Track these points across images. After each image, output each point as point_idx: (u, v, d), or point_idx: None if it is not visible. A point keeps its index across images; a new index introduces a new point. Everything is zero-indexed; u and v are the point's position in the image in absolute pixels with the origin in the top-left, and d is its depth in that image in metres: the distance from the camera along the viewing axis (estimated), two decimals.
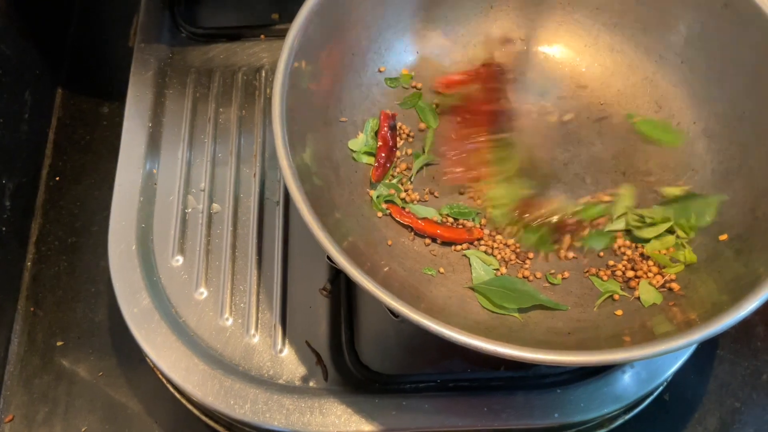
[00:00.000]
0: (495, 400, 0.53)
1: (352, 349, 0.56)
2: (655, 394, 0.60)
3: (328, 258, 0.43)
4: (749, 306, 0.41)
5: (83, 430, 0.60)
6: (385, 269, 0.51)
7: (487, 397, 0.54)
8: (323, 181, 0.52)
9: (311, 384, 0.54)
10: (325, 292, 0.46)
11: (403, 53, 0.60)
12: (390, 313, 0.41)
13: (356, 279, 0.41)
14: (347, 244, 0.47)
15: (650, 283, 0.51)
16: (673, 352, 0.39)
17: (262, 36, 0.71)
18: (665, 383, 0.59)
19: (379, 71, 0.59)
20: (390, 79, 0.60)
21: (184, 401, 0.59)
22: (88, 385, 0.62)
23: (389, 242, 0.53)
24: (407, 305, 0.41)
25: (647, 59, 0.59)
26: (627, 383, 0.54)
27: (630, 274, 0.52)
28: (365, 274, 0.42)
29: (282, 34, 0.68)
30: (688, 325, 0.41)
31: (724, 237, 0.50)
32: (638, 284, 0.51)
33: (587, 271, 0.53)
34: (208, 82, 0.68)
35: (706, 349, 0.65)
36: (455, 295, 0.51)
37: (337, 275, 0.47)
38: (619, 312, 0.50)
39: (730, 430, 0.63)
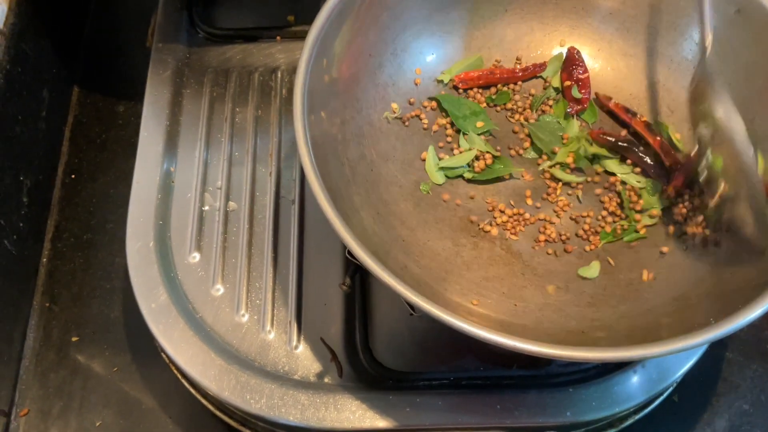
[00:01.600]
0: (507, 398, 0.54)
1: (366, 346, 0.56)
2: (665, 395, 0.61)
3: (349, 254, 0.44)
4: (760, 308, 0.41)
5: (98, 424, 0.61)
6: (401, 267, 0.51)
7: (499, 395, 0.54)
8: (341, 180, 0.52)
9: (326, 380, 0.55)
10: (344, 287, 0.47)
11: (419, 55, 0.61)
12: (409, 308, 0.42)
13: (377, 273, 0.42)
14: (363, 239, 0.47)
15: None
16: (684, 351, 0.40)
17: (278, 37, 0.72)
18: (675, 384, 0.60)
19: (416, 73, 0.61)
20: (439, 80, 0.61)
21: (198, 396, 0.59)
22: (102, 380, 0.63)
23: (412, 246, 0.54)
24: (428, 300, 0.41)
25: (660, 64, 0.59)
26: (638, 383, 0.55)
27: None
28: (387, 269, 0.42)
29: (298, 36, 0.70)
30: (699, 326, 0.42)
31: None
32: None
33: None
34: (225, 82, 0.69)
35: (716, 352, 0.65)
36: (470, 292, 0.52)
37: (355, 271, 0.48)
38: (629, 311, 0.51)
39: (740, 431, 0.63)
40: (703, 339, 0.40)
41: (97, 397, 0.62)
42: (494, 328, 0.47)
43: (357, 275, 0.54)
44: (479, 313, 0.49)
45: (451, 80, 0.61)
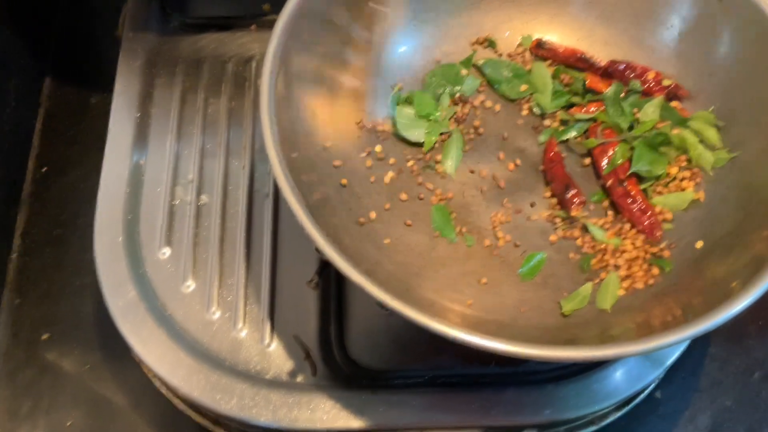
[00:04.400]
0: (485, 396, 0.53)
1: (341, 344, 0.55)
2: (647, 391, 0.60)
3: (317, 249, 0.43)
4: (739, 304, 0.40)
5: (68, 424, 0.60)
6: (373, 263, 0.50)
7: (477, 393, 0.53)
8: (312, 174, 0.51)
9: (299, 379, 0.54)
10: (312, 284, 0.45)
11: (396, 44, 0.59)
12: (378, 306, 0.41)
13: (344, 269, 0.40)
14: (335, 237, 0.46)
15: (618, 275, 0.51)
16: (662, 349, 0.39)
17: (253, 26, 0.70)
18: (657, 381, 0.59)
19: (436, 61, 0.60)
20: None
21: (170, 396, 0.58)
22: (72, 379, 0.61)
23: (386, 241, 0.52)
24: (396, 298, 0.40)
25: (641, 53, 0.58)
26: (618, 380, 0.54)
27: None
28: (354, 265, 0.41)
29: (273, 25, 0.68)
30: (679, 321, 0.41)
31: (699, 244, 0.51)
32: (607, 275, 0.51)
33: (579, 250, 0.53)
34: (198, 72, 0.67)
35: (698, 347, 0.64)
36: (446, 289, 0.51)
37: (324, 267, 0.46)
38: (608, 309, 0.50)
39: (722, 428, 0.62)
40: (681, 336, 0.39)
41: (67, 396, 0.61)
42: (469, 325, 0.46)
43: (333, 272, 0.53)
44: (454, 310, 0.48)
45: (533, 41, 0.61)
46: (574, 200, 0.53)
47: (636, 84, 0.57)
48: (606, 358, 0.47)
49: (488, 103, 0.60)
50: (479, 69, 0.61)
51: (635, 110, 0.56)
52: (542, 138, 0.58)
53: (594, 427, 0.58)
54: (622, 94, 0.57)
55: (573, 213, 0.53)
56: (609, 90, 0.57)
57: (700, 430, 0.62)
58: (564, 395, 0.53)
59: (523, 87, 0.59)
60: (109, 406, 0.61)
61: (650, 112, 0.55)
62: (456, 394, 0.53)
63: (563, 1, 0.59)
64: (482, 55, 0.61)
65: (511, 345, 0.39)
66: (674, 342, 0.38)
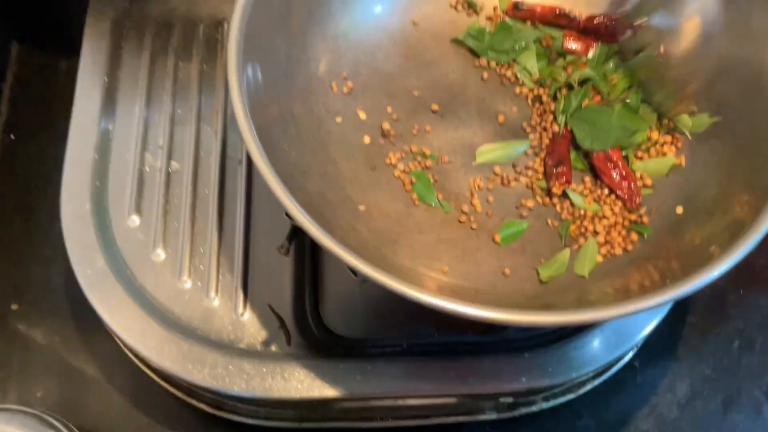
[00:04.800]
0: (462, 365, 0.52)
1: (316, 312, 0.54)
2: (625, 359, 0.60)
3: (287, 214, 0.41)
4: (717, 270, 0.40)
5: (39, 395, 0.59)
6: (348, 229, 0.49)
7: (454, 361, 0.52)
8: (285, 140, 0.49)
9: (273, 348, 0.53)
10: (282, 250, 0.44)
11: (372, 4, 0.57)
12: (351, 272, 0.40)
13: (313, 233, 0.39)
14: (306, 201, 0.45)
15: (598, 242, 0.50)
16: (642, 311, 0.38)
17: None
18: (635, 348, 0.58)
19: (413, 23, 0.58)
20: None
21: (143, 367, 0.57)
22: (44, 349, 0.61)
23: (361, 207, 0.51)
24: (368, 263, 0.39)
25: (624, 11, 0.56)
26: (596, 348, 0.53)
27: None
28: (325, 231, 0.40)
29: None
30: (657, 286, 0.40)
31: (680, 209, 0.50)
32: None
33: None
34: (168, 35, 0.65)
35: (677, 315, 0.64)
36: (422, 256, 0.50)
37: (296, 233, 0.45)
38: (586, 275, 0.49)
39: (701, 396, 0.62)
40: (659, 300, 0.38)
41: (38, 367, 0.60)
42: (444, 292, 0.45)
43: (307, 240, 0.51)
44: (430, 277, 0.47)
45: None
46: (561, 178, 0.52)
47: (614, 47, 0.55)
48: (583, 323, 0.46)
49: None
50: (461, 43, 0.59)
51: (612, 77, 0.55)
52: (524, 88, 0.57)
53: (572, 395, 0.58)
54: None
55: (553, 189, 0.52)
56: (591, 55, 0.56)
57: (679, 397, 0.62)
58: (541, 363, 0.52)
59: (508, 52, 0.58)
60: (81, 376, 0.60)
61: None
62: (433, 362, 0.52)
63: None
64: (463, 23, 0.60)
65: (486, 310, 0.38)
66: (652, 306, 0.38)
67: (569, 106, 0.54)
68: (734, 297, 0.66)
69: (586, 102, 0.54)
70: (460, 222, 0.52)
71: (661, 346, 0.63)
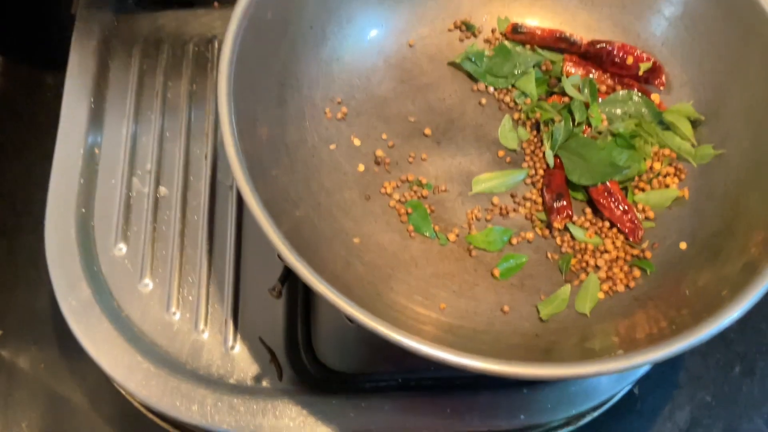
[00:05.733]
0: (458, 400, 0.51)
1: (308, 346, 0.53)
2: (626, 388, 0.58)
3: (279, 256, 0.40)
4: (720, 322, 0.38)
5: (24, 425, 0.57)
6: (342, 264, 0.47)
7: (450, 397, 0.51)
8: (276, 169, 0.48)
9: (264, 384, 0.51)
10: (275, 293, 0.42)
11: (367, 26, 0.56)
12: (347, 319, 0.38)
13: (310, 282, 0.38)
14: (299, 236, 0.43)
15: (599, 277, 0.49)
16: (644, 366, 0.36)
17: (216, 4, 0.66)
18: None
19: (409, 45, 0.57)
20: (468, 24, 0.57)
21: (129, 397, 0.55)
22: (28, 377, 0.59)
23: (356, 240, 0.50)
24: (366, 304, 0.37)
25: (626, 39, 0.55)
26: (596, 382, 0.52)
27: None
28: (319, 276, 0.38)
29: (236, 2, 0.64)
30: (665, 334, 0.39)
31: (683, 245, 0.48)
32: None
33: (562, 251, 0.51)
34: (156, 53, 0.63)
35: None
36: (418, 292, 0.48)
37: (288, 274, 0.43)
38: (588, 313, 0.48)
39: (701, 424, 0.61)
40: (666, 352, 0.37)
41: (23, 395, 0.59)
42: (442, 333, 0.44)
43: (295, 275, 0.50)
44: (427, 317, 0.46)
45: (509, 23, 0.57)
46: (562, 212, 0.50)
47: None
48: (587, 376, 0.45)
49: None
50: (458, 66, 0.57)
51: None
52: (523, 134, 0.55)
53: (571, 428, 0.56)
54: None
55: (554, 223, 0.50)
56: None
57: (680, 426, 0.61)
58: (540, 399, 0.51)
59: (507, 76, 0.56)
60: (67, 405, 0.58)
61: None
62: (428, 398, 0.51)
63: None
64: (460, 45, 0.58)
65: (486, 362, 0.36)
66: (659, 359, 0.36)
67: (556, 137, 0.52)
68: (735, 322, 0.65)
69: (586, 130, 0.53)
70: (456, 254, 0.51)
71: (661, 372, 0.62)
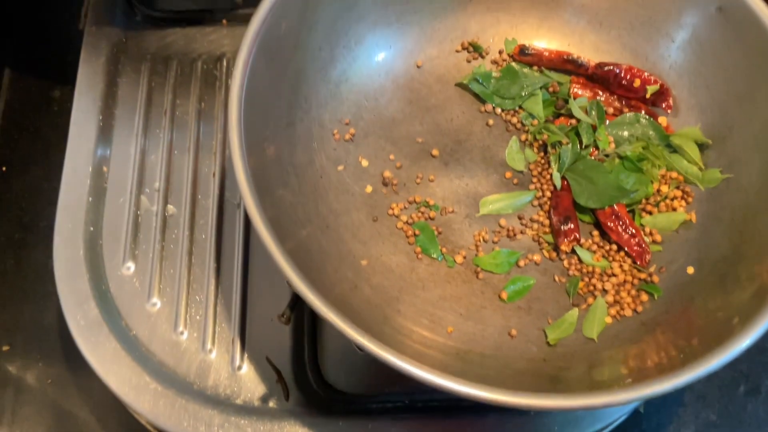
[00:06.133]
0: (466, 422, 0.51)
1: (315, 366, 0.53)
2: (631, 407, 0.58)
3: (288, 282, 0.40)
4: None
5: None
6: (350, 286, 0.47)
7: (458, 419, 0.51)
8: (283, 188, 0.48)
9: (271, 404, 0.51)
10: (283, 319, 0.42)
11: (376, 47, 0.56)
12: (356, 347, 0.38)
13: (319, 310, 0.38)
14: (307, 260, 0.43)
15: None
16: (654, 396, 0.36)
17: (224, 21, 0.66)
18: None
19: (417, 66, 0.57)
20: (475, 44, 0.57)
21: (136, 416, 0.56)
22: (36, 392, 0.59)
23: (363, 262, 0.50)
24: (374, 339, 0.37)
25: (634, 62, 0.55)
26: None
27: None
28: (328, 303, 0.38)
29: (246, 20, 0.63)
30: (674, 363, 0.39)
31: (691, 269, 0.48)
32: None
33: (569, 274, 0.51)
34: (165, 70, 0.63)
35: None
36: (425, 315, 0.48)
37: (297, 301, 0.43)
38: (595, 338, 0.48)
39: None
40: (676, 382, 0.37)
41: (30, 410, 0.59)
42: (449, 357, 0.44)
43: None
44: (433, 341, 0.46)
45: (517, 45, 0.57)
46: (569, 235, 0.50)
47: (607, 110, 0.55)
48: (595, 408, 0.45)
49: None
50: (466, 87, 0.57)
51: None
52: (530, 155, 0.55)
53: None
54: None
55: (561, 246, 0.50)
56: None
57: None
58: (547, 422, 0.51)
59: (514, 98, 0.56)
60: (74, 421, 0.58)
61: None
62: (435, 420, 0.51)
63: (553, 4, 0.56)
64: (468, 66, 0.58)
65: (495, 393, 0.36)
66: (668, 389, 0.36)
67: (563, 159, 0.52)
68: None
69: (593, 153, 0.53)
70: (464, 276, 0.51)
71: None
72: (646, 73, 0.54)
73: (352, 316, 0.40)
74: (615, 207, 0.50)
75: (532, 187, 0.54)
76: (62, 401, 0.59)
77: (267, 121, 0.48)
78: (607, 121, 0.54)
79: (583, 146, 0.53)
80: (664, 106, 0.54)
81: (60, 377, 0.59)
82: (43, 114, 0.70)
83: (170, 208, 0.58)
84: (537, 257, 0.51)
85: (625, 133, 0.53)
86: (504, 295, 0.50)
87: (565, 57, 0.56)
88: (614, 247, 0.51)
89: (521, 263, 0.51)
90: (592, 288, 0.50)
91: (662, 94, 0.54)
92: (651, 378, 0.37)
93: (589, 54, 0.56)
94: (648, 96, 0.54)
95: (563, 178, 0.53)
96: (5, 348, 0.60)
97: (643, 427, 0.61)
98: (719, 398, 0.63)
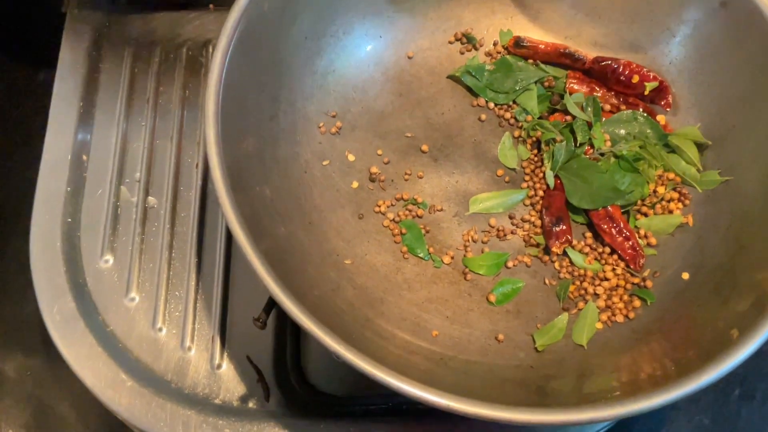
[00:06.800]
0: (451, 425, 0.49)
1: (297, 366, 0.51)
2: None
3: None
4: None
5: None
6: (332, 287, 0.46)
7: (443, 422, 0.49)
8: (265, 184, 0.46)
9: (251, 405, 0.50)
10: (259, 323, 0.41)
11: (365, 37, 0.54)
12: (334, 355, 0.37)
13: (295, 316, 0.36)
14: (285, 257, 0.42)
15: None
16: (645, 411, 0.35)
17: (211, 6, 0.64)
18: None
19: (408, 57, 0.55)
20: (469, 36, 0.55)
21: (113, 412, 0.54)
22: (15, 385, 0.58)
23: (347, 261, 0.48)
24: (352, 349, 0.36)
25: (633, 57, 0.53)
26: None
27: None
28: (304, 309, 0.37)
29: (232, 4, 0.62)
30: (669, 375, 0.37)
31: (686, 275, 0.47)
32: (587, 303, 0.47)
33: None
34: (149, 56, 0.61)
35: None
36: (410, 317, 0.47)
37: (273, 304, 0.42)
38: (585, 344, 0.46)
39: None
40: (669, 397, 0.35)
41: (9, 403, 0.58)
42: (432, 364, 0.42)
43: None
44: (416, 346, 0.44)
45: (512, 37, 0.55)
46: (561, 237, 0.49)
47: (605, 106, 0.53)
48: (583, 423, 0.43)
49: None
50: (458, 80, 0.55)
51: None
52: (523, 152, 0.53)
53: None
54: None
55: (552, 248, 0.49)
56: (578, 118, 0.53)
57: None
58: (537, 426, 0.49)
59: (508, 92, 0.54)
60: (53, 413, 0.58)
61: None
62: (420, 423, 0.49)
63: None
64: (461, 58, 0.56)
65: (478, 407, 0.35)
66: (660, 404, 0.35)
67: (557, 158, 0.50)
68: None
69: (588, 151, 0.51)
70: (451, 278, 0.49)
71: None
72: (644, 69, 0.52)
73: (333, 319, 0.39)
74: (609, 209, 0.49)
75: (524, 185, 0.52)
76: (42, 394, 0.58)
77: (247, 114, 0.46)
78: (604, 119, 0.52)
79: (578, 144, 0.51)
80: (662, 103, 0.52)
81: (40, 370, 0.59)
82: (25, 99, 0.69)
83: (151, 199, 0.56)
84: (527, 259, 0.50)
85: (622, 131, 0.51)
86: (492, 298, 0.48)
87: (561, 50, 0.54)
88: (607, 249, 0.49)
89: (510, 264, 0.50)
90: (583, 292, 0.48)
91: (661, 91, 0.52)
92: (641, 391, 0.35)
93: (587, 48, 0.54)
94: (646, 93, 0.52)
95: (556, 177, 0.51)
96: None
97: (634, 430, 0.60)
98: (713, 402, 0.62)
